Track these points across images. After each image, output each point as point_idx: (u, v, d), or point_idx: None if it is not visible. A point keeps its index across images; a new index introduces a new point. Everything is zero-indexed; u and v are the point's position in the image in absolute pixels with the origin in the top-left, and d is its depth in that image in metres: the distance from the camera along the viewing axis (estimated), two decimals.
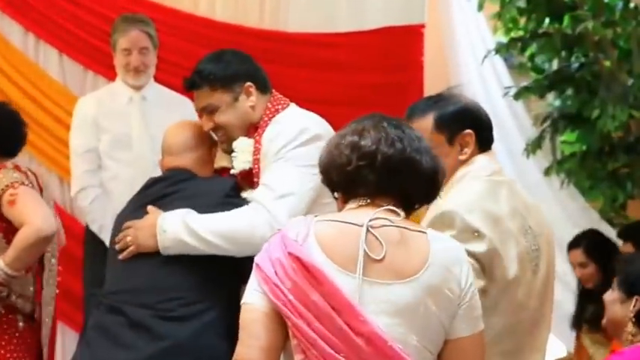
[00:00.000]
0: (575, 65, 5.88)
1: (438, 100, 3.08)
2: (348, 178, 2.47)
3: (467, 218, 2.81)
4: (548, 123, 5.83)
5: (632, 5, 5.55)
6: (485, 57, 5.75)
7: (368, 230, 2.38)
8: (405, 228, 2.42)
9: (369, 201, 2.46)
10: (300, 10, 5.86)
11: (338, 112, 5.43)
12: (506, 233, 2.89)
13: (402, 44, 5.82)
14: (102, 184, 4.83)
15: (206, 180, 3.69)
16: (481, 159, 3.00)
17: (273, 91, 3.75)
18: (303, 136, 3.52)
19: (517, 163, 5.78)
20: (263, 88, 3.66)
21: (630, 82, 5.63)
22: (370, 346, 2.29)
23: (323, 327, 2.30)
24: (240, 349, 2.36)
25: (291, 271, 2.34)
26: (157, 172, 4.68)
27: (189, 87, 3.64)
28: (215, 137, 3.63)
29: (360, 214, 2.42)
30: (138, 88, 4.88)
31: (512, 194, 3.00)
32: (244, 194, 3.55)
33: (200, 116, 3.66)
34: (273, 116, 3.64)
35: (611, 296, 3.32)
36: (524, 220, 2.98)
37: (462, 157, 2.99)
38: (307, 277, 2.33)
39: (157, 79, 5.14)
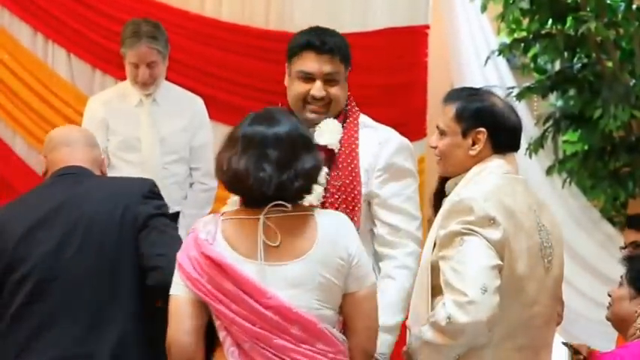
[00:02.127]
0: (578, 66, 5.91)
1: (471, 93, 3.19)
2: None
3: (484, 206, 2.89)
4: (550, 123, 5.86)
5: (634, 6, 5.58)
6: (489, 58, 5.77)
7: (264, 222, 2.81)
8: (294, 213, 2.84)
9: None
10: (305, 10, 5.87)
11: None
12: (519, 227, 2.95)
13: (406, 45, 5.85)
14: None
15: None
16: (498, 159, 3.07)
17: None
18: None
19: (519, 163, 5.80)
20: None
21: (632, 82, 5.66)
22: (278, 315, 2.77)
23: (239, 307, 2.76)
24: (170, 333, 2.82)
25: (206, 267, 2.80)
26: (165, 174, 4.77)
27: (327, 49, 3.49)
28: (306, 107, 3.50)
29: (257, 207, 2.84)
30: (148, 94, 4.89)
31: (527, 191, 3.08)
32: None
33: (307, 81, 3.48)
34: (358, 114, 3.65)
35: (619, 292, 3.37)
36: (538, 217, 3.04)
37: (472, 153, 3.07)
38: (219, 270, 2.79)
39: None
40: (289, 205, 2.83)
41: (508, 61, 6.14)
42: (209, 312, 2.82)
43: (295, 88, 3.52)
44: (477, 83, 5.60)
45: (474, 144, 3.07)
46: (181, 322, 2.82)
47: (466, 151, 3.08)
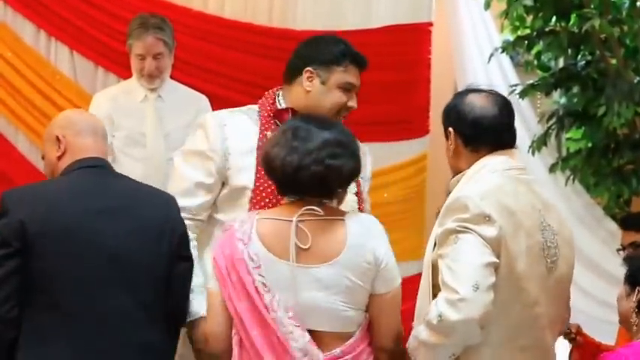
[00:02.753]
0: (582, 63, 5.90)
1: (454, 95, 3.28)
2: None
3: (479, 204, 2.91)
4: (553, 120, 5.85)
5: (638, 4, 5.56)
6: (492, 55, 5.77)
7: (297, 225, 2.99)
8: (327, 218, 3.03)
9: (295, 198, 3.08)
10: (308, 7, 5.87)
11: None
12: (518, 226, 2.95)
13: (410, 42, 5.84)
14: None
15: None
16: (498, 156, 3.08)
17: None
18: None
19: (522, 160, 5.78)
20: None
21: (636, 79, 5.65)
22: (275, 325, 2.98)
23: (245, 305, 3.01)
24: (207, 324, 3.16)
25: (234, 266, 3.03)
26: (170, 169, 4.74)
27: (364, 64, 3.61)
28: (336, 117, 3.53)
29: (292, 209, 3.05)
30: (153, 89, 4.89)
31: (531, 191, 3.07)
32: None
33: (346, 92, 3.55)
34: None
35: (619, 291, 3.37)
36: (543, 217, 3.04)
37: (449, 152, 3.16)
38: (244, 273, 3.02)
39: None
40: (321, 210, 3.03)
41: (511, 58, 6.13)
42: None
43: (334, 97, 3.55)
44: (480, 81, 5.58)
45: (449, 143, 3.15)
46: (215, 315, 3.09)
47: (449, 152, 3.16)
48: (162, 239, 3.17)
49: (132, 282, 3.09)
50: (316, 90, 3.55)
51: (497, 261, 2.89)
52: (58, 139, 3.28)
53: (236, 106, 5.57)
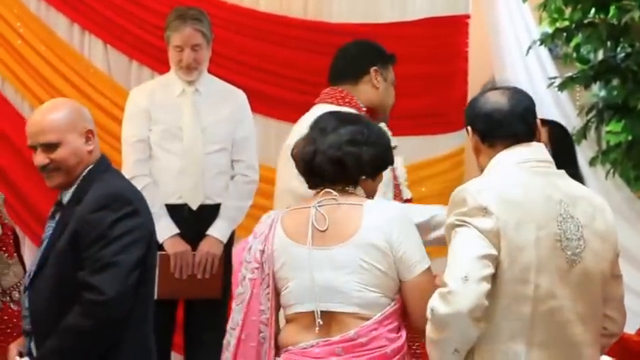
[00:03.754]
0: (621, 55, 5.83)
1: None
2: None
3: (477, 196, 2.91)
4: (593, 113, 5.79)
5: None
6: (530, 47, 5.72)
7: (316, 209, 3.13)
8: (344, 203, 3.14)
9: (320, 189, 3.21)
10: (343, 0, 5.85)
11: None
12: (524, 217, 2.91)
13: (447, 35, 5.82)
14: (151, 173, 4.80)
15: None
16: (512, 149, 3.04)
17: None
18: None
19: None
20: None
21: None
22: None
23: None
24: None
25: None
26: (207, 164, 4.74)
27: None
28: None
29: (314, 198, 3.18)
30: (191, 82, 4.86)
31: (550, 183, 3.01)
32: None
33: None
34: None
35: None
36: (566, 208, 2.98)
37: (472, 149, 3.16)
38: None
39: None
40: (336, 194, 3.14)
41: (550, 50, 6.08)
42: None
43: (393, 93, 4.05)
44: (518, 73, 5.63)
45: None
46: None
47: (472, 149, 3.16)
48: None
49: None
50: (382, 87, 3.96)
51: (495, 253, 2.86)
52: (91, 133, 3.39)
53: (270, 100, 5.60)
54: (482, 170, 3.12)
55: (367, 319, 3.08)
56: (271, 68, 5.77)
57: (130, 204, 3.33)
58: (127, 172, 4.80)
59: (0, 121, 5.62)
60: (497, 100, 3.08)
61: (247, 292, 3.19)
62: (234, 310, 3.22)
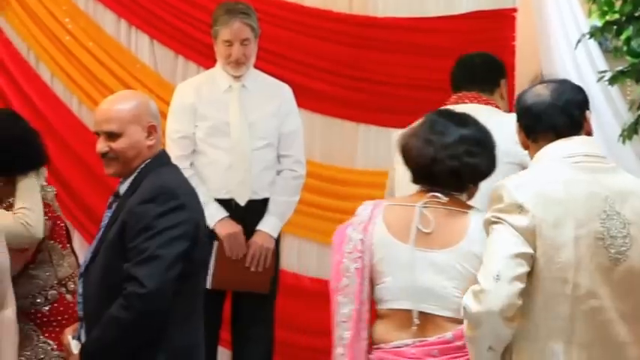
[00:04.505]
0: None
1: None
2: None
3: (513, 193, 2.88)
4: None
5: None
6: (579, 41, 5.59)
7: (421, 210, 3.16)
8: (451, 209, 3.17)
9: (425, 188, 3.24)
10: None
11: (429, 97, 5.43)
12: (563, 215, 2.87)
13: (494, 29, 5.76)
14: (197, 169, 4.81)
15: None
16: (558, 143, 2.99)
17: None
18: None
19: (612, 149, 5.64)
20: None
21: None
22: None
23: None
24: None
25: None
26: (254, 159, 4.76)
27: None
28: None
29: (419, 197, 3.21)
30: (238, 78, 4.86)
31: (596, 179, 2.95)
32: None
33: None
34: None
35: None
36: (611, 205, 2.92)
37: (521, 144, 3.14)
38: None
39: None
40: (445, 198, 3.17)
41: (600, 44, 5.97)
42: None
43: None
44: (567, 68, 5.50)
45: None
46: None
47: (522, 146, 3.13)
48: None
49: None
50: (506, 98, 4.42)
51: (531, 251, 2.85)
52: (153, 128, 3.46)
53: (315, 94, 5.58)
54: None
55: (462, 323, 3.03)
56: (316, 63, 5.76)
57: (176, 198, 3.36)
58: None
59: (50, 116, 5.67)
60: (539, 93, 3.04)
61: (354, 283, 3.21)
62: (340, 302, 3.22)
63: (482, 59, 4.55)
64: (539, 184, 2.92)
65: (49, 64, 5.79)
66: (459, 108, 3.96)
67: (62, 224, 4.16)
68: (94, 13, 5.79)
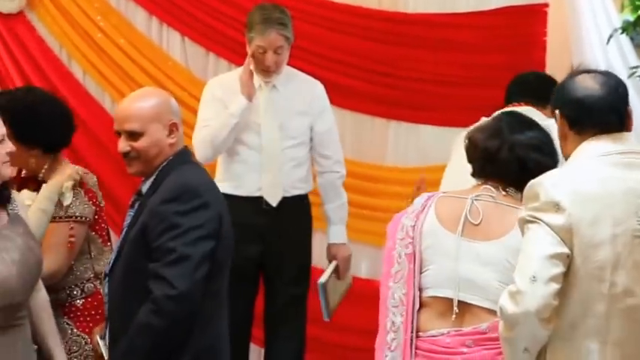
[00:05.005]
0: None
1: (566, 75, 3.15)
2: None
3: (550, 190, 2.85)
4: None
5: None
6: (611, 36, 5.54)
7: (472, 202, 3.21)
8: (501, 203, 3.21)
9: (481, 181, 3.31)
10: None
11: (460, 93, 5.51)
12: (600, 213, 2.84)
13: (525, 24, 5.74)
14: (226, 166, 4.84)
15: None
16: (597, 140, 2.96)
17: None
18: None
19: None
20: None
21: None
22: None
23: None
24: None
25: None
26: (285, 157, 4.77)
27: None
28: None
29: (472, 190, 3.27)
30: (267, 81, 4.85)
31: (633, 176, 2.91)
32: None
33: None
34: None
35: None
36: None
37: (558, 134, 3.08)
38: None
39: None
40: (495, 192, 3.23)
41: (632, 39, 5.91)
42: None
43: None
44: (598, 63, 5.42)
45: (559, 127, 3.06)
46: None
47: (559, 134, 3.08)
48: None
49: None
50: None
51: (567, 251, 2.82)
52: (175, 126, 3.42)
53: (346, 91, 5.57)
54: (566, 157, 3.06)
55: None
56: (346, 59, 5.74)
57: (199, 196, 3.31)
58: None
59: (82, 113, 5.65)
60: (588, 85, 2.99)
61: (405, 268, 3.26)
62: (392, 288, 3.27)
63: (536, 75, 4.71)
64: (575, 181, 2.89)
65: (82, 61, 5.81)
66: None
67: (104, 216, 4.16)
68: (126, 10, 5.80)
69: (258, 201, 4.77)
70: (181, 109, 5.42)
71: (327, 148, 4.90)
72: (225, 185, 4.71)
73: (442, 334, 3.17)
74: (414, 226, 3.27)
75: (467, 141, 3.36)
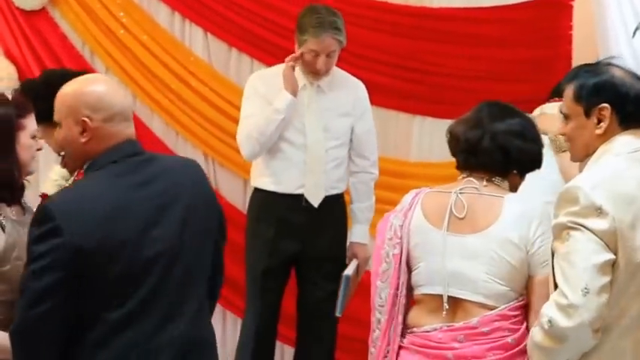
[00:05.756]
0: None
1: (588, 69, 3.04)
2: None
3: (590, 194, 2.76)
4: None
5: None
6: (637, 29, 5.49)
7: (457, 196, 3.21)
8: (486, 194, 3.20)
9: (466, 174, 3.30)
10: None
11: (485, 88, 5.43)
12: (638, 214, 2.78)
13: (550, 18, 5.68)
14: (269, 163, 4.81)
15: None
16: (623, 136, 2.92)
17: None
18: None
19: None
20: None
21: None
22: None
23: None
24: None
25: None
26: (328, 158, 4.77)
27: None
28: None
29: (457, 184, 3.27)
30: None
31: None
32: None
33: None
34: None
35: None
36: None
37: (598, 132, 2.93)
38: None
39: None
40: (478, 183, 3.22)
41: None
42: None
43: None
44: (624, 57, 5.30)
45: (599, 122, 2.93)
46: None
47: (592, 132, 2.95)
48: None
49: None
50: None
51: (613, 257, 2.76)
52: (84, 123, 2.91)
53: (373, 86, 5.51)
54: (586, 154, 2.97)
55: (492, 309, 3.16)
56: (371, 54, 5.69)
57: (51, 220, 2.76)
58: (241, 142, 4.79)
59: None
60: (636, 82, 2.94)
61: (391, 268, 3.29)
62: (379, 287, 3.32)
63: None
64: (615, 182, 2.82)
65: (104, 58, 5.80)
66: (547, 107, 4.36)
67: None
68: (148, 6, 5.78)
69: (298, 199, 4.75)
70: (204, 105, 5.67)
71: (365, 149, 4.91)
72: (264, 181, 4.79)
73: (435, 330, 3.20)
74: (402, 225, 3.29)
75: (448, 135, 3.36)
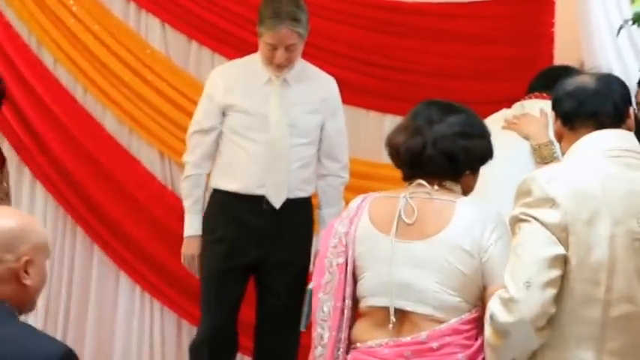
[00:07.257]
0: None
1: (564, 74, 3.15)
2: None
3: (544, 186, 2.78)
4: None
5: None
6: (622, 27, 5.40)
7: (407, 200, 3.09)
8: (437, 198, 3.09)
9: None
10: None
11: (460, 86, 5.33)
12: (598, 212, 2.75)
13: (531, 15, 5.59)
14: (227, 161, 4.67)
15: None
16: (597, 135, 2.89)
17: None
18: None
19: None
20: None
21: None
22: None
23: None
24: None
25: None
26: (293, 156, 4.63)
27: None
28: None
29: (407, 188, 3.15)
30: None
31: (637, 177, 2.83)
32: None
33: None
34: None
35: None
36: None
37: (555, 138, 3.07)
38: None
39: None
40: (429, 187, 3.10)
41: None
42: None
43: None
44: (608, 55, 5.34)
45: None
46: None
47: (556, 137, 3.06)
48: None
49: None
50: None
51: (563, 251, 2.73)
52: None
53: (340, 83, 5.28)
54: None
55: (443, 322, 3.03)
56: (338, 49, 5.53)
57: None
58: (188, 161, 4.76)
59: (52, 104, 5.52)
60: (583, 80, 2.97)
61: (335, 279, 3.17)
62: (321, 299, 3.19)
63: (566, 68, 4.22)
64: (573, 177, 2.81)
65: (52, 49, 5.60)
66: (527, 104, 4.20)
67: None
68: None
69: (259, 201, 4.57)
70: (160, 101, 5.47)
71: (336, 151, 4.76)
72: (223, 181, 4.66)
73: (380, 345, 3.07)
74: (347, 232, 3.16)
75: (388, 148, 3.24)
